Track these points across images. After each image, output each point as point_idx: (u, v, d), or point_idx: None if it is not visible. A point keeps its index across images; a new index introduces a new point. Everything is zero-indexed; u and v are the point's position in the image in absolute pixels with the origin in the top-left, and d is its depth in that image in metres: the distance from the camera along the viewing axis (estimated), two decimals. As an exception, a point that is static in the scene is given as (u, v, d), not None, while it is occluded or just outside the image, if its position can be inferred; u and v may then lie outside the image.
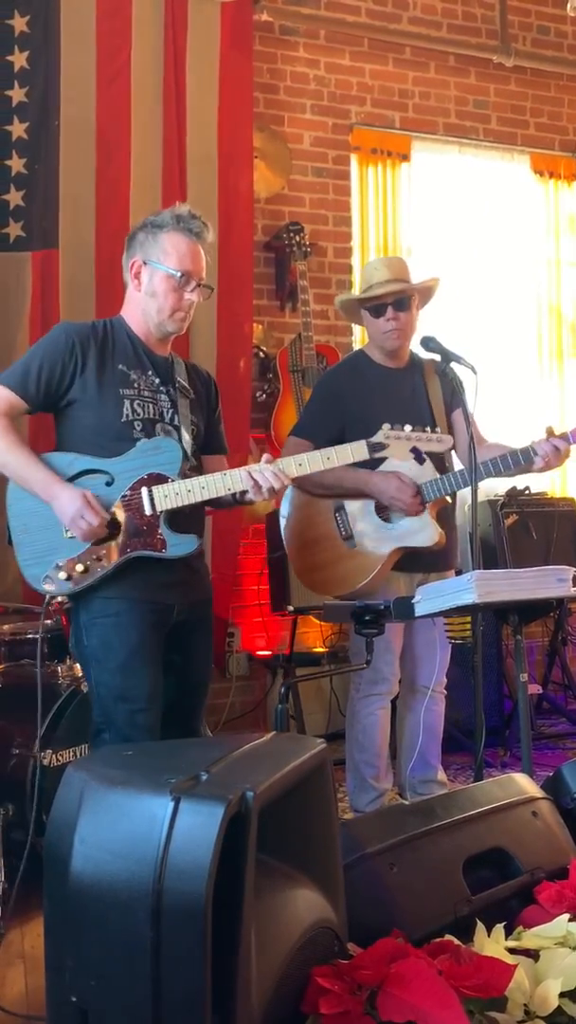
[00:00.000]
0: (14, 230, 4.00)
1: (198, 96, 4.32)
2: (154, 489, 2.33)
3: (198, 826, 1.32)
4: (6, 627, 3.18)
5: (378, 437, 2.38)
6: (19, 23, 4.01)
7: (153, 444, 2.37)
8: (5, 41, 3.98)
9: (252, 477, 2.36)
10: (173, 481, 2.34)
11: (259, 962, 1.36)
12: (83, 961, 1.39)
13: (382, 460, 2.80)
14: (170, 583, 2.40)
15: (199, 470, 2.47)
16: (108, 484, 2.34)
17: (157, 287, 2.43)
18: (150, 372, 2.46)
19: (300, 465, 2.41)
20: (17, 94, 4.02)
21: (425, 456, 2.79)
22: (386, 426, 2.39)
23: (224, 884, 1.31)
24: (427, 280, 3.15)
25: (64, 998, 1.40)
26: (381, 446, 2.38)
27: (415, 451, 2.43)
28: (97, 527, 2.29)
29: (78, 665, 2.93)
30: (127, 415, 2.38)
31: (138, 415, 2.39)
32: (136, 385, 2.41)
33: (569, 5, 4.62)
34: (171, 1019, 1.30)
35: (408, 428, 2.39)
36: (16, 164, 4.02)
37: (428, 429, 2.42)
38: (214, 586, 2.69)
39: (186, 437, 2.43)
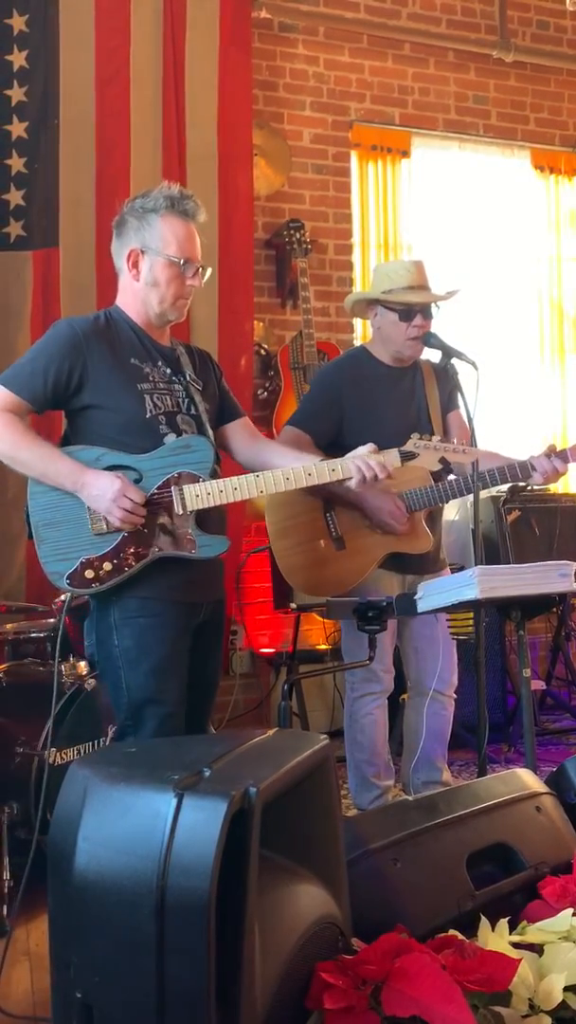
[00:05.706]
0: (14, 229, 4.02)
1: (197, 94, 4.32)
2: (185, 488, 2.27)
3: (201, 822, 1.33)
4: (9, 626, 3.18)
5: (408, 446, 2.40)
6: (18, 22, 4.02)
7: (183, 442, 2.31)
8: (4, 40, 3.99)
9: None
10: (204, 481, 2.29)
11: (263, 958, 1.37)
12: (88, 958, 1.39)
13: None
14: (198, 580, 2.35)
15: (218, 459, 2.42)
16: (136, 481, 2.26)
17: (159, 276, 2.35)
18: (160, 363, 2.40)
19: (333, 471, 2.38)
20: (16, 93, 4.02)
21: (452, 467, 2.76)
22: (415, 436, 2.41)
23: (227, 880, 1.32)
24: (453, 292, 3.09)
25: (69, 995, 1.41)
26: (413, 455, 2.40)
27: (443, 461, 2.46)
28: (138, 509, 2.21)
29: (83, 664, 2.91)
30: (150, 410, 2.31)
31: (159, 408, 2.33)
32: (151, 378, 2.35)
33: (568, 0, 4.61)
34: (175, 1014, 1.30)
35: (436, 439, 2.44)
36: (16, 163, 4.03)
37: (456, 440, 2.48)
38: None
39: (208, 431, 2.38)
